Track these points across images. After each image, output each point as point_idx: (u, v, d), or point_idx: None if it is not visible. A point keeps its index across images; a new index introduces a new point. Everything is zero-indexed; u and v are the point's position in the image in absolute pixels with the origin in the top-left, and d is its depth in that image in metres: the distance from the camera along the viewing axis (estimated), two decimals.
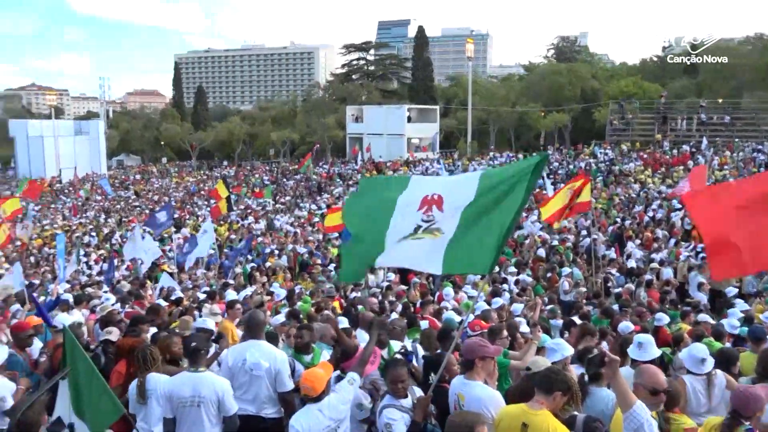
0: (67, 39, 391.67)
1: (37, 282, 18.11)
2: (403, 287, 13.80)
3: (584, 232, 19.38)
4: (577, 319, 7.67)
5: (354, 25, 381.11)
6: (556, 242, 17.72)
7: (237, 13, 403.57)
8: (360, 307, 10.47)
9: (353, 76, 76.70)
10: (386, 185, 5.26)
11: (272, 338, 6.10)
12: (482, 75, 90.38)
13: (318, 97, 74.66)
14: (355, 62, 78.47)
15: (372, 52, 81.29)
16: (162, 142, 72.74)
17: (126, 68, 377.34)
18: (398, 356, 5.31)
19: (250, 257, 21.83)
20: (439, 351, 5.71)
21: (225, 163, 64.96)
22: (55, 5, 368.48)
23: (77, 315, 10.16)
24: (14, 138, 62.57)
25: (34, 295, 12.90)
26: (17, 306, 11.03)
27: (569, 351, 5.28)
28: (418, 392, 4.58)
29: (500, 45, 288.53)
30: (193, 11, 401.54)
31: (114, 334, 6.40)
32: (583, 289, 12.51)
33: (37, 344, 6.78)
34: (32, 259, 23.38)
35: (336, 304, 11.06)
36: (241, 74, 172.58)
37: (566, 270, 13.73)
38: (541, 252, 17.05)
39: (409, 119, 54.43)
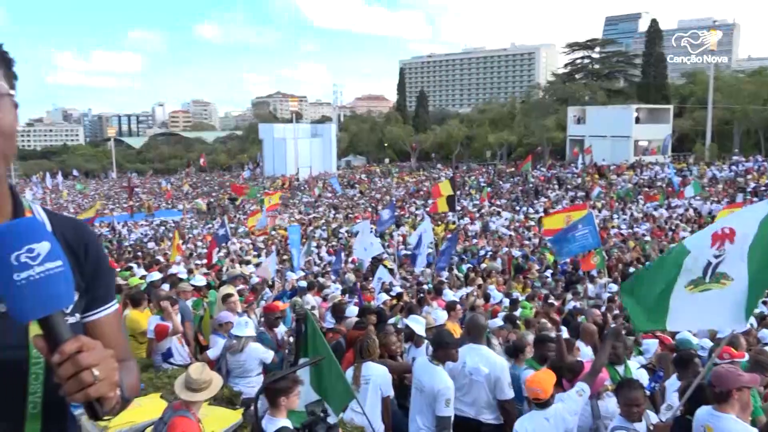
0: (306, 50, 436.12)
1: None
2: None
3: None
4: None
5: (578, 22, 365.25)
6: None
7: (458, 19, 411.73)
8: (581, 318, 10.00)
9: (576, 76, 73.48)
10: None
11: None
12: (726, 69, 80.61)
13: (538, 98, 72.97)
14: (578, 61, 75.08)
15: (597, 49, 77.07)
16: (385, 144, 77.01)
17: (356, 75, 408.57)
18: (635, 377, 4.92)
19: (465, 258, 22.11)
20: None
21: (438, 165, 66.55)
22: (296, 20, 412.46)
23: (311, 300, 11.21)
24: (263, 140, 70.98)
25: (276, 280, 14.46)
26: (266, 290, 12.42)
27: None
28: (653, 418, 4.22)
29: (750, 35, 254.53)
30: (417, 19, 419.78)
31: (347, 324, 6.92)
32: None
33: (282, 327, 7.55)
34: (274, 248, 26.24)
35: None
36: (461, 77, 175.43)
37: None
38: None
39: (637, 120, 50.56)
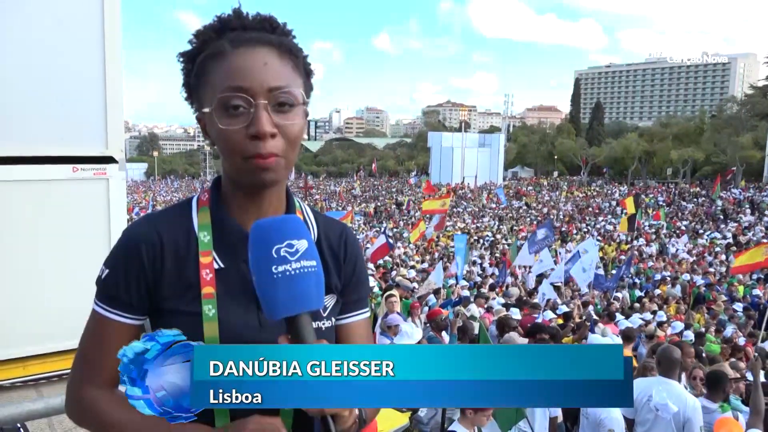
0: (478, 60, 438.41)
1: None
2: None
3: None
4: None
5: None
6: None
7: (639, 28, 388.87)
8: None
9: None
10: None
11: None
12: None
13: (732, 112, 66.22)
14: None
15: None
16: (555, 156, 74.54)
17: (528, 85, 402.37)
18: None
19: (637, 281, 20.65)
20: None
21: (600, 181, 62.85)
22: (469, 32, 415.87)
23: (474, 310, 11.13)
24: (431, 148, 72.17)
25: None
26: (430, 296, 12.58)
27: None
28: None
29: None
30: (593, 29, 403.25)
31: (514, 339, 6.77)
32: None
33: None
34: (436, 254, 26.48)
35: None
36: (642, 89, 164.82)
37: None
38: None
39: None
